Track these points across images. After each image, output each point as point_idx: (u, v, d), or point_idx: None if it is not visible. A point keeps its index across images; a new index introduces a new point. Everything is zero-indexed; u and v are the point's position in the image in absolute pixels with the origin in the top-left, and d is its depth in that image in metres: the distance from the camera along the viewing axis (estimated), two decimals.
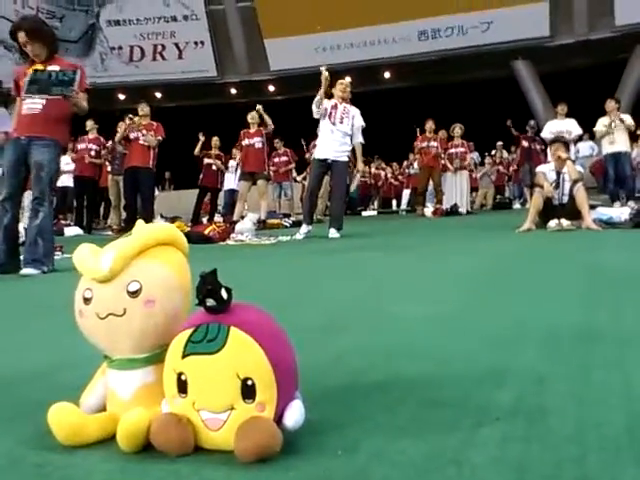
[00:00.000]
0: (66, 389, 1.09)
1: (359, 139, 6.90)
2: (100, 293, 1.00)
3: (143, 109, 8.72)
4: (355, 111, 6.82)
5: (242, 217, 8.29)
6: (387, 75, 20.60)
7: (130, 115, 8.76)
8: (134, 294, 0.99)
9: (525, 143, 12.34)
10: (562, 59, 17.90)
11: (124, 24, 20.22)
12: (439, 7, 18.07)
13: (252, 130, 9.74)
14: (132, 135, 8.55)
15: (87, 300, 1.02)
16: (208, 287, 0.92)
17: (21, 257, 4.19)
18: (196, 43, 20.41)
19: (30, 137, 4.15)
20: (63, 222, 11.03)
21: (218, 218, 10.68)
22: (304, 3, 18.63)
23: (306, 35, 18.91)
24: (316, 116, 6.77)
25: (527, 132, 12.63)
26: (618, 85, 16.73)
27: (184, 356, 0.93)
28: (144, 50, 20.51)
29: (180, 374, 0.94)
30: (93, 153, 10.64)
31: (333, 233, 6.52)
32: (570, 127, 9.52)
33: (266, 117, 9.61)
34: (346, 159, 6.77)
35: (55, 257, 4.69)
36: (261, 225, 8.59)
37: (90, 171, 10.63)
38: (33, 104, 4.19)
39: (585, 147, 12.71)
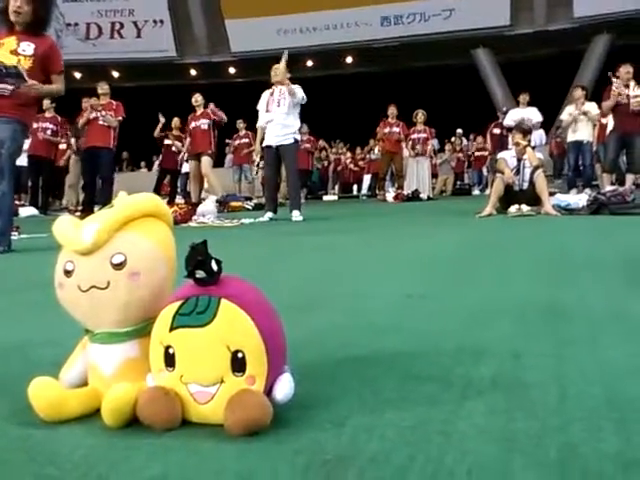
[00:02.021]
0: (43, 365, 1.06)
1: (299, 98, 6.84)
2: (82, 265, 0.98)
3: (102, 87, 8.53)
4: (292, 88, 6.76)
5: (202, 199, 8.21)
6: (349, 60, 20.64)
7: (88, 99, 8.56)
8: (118, 266, 0.97)
9: (496, 130, 12.37)
10: (522, 48, 18.19)
11: (80, 1, 19.73)
12: None
13: (198, 112, 9.73)
14: (91, 115, 8.35)
15: (68, 272, 0.99)
16: (198, 258, 0.91)
17: None
18: (155, 22, 20.07)
19: None
20: (17, 202, 10.76)
21: (179, 200, 10.56)
22: None
23: (268, 17, 18.77)
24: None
25: (499, 119, 12.64)
26: (575, 75, 17.06)
27: (172, 329, 0.92)
28: (101, 28, 20.10)
29: (168, 347, 0.92)
30: (49, 132, 10.38)
31: (296, 215, 6.53)
32: (531, 115, 9.67)
33: (218, 112, 9.62)
34: (292, 140, 6.73)
35: (12, 237, 4.59)
36: (222, 205, 8.53)
37: (46, 150, 10.37)
38: (2, 88, 4.06)
39: (535, 135, 12.90)
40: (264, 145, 6.90)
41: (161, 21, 19.93)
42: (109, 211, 1.01)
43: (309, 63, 19.82)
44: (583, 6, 16.87)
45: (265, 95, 6.94)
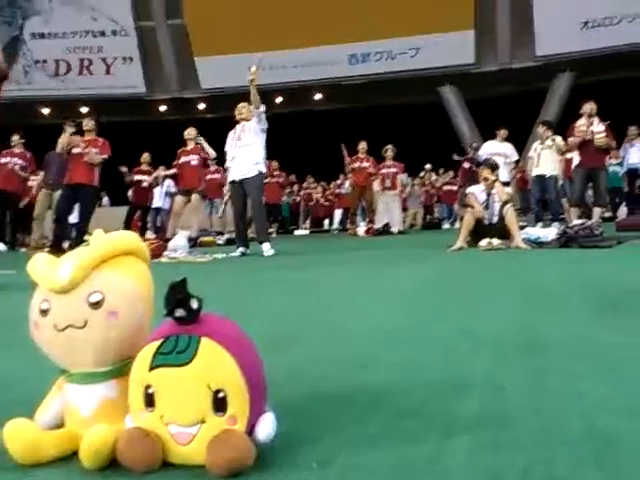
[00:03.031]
0: (19, 403, 1.03)
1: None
2: (58, 304, 0.96)
3: (87, 124, 8.37)
4: (248, 125, 6.86)
5: (173, 235, 8.15)
6: (318, 97, 20.87)
7: (68, 126, 8.37)
8: (96, 305, 0.95)
9: (466, 165, 12.59)
10: (487, 86, 18.61)
11: (49, 37, 19.73)
12: (369, 32, 18.46)
13: (189, 147, 9.60)
14: (75, 150, 8.16)
15: (44, 312, 0.97)
16: (178, 297, 0.89)
17: None
18: (125, 59, 20.12)
19: None
20: None
21: (150, 235, 10.48)
22: (236, 23, 18.66)
23: (237, 54, 18.90)
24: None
25: (468, 153, 12.87)
26: (539, 112, 17.47)
27: (152, 368, 0.90)
28: (70, 64, 20.07)
29: (147, 387, 0.90)
30: (18, 167, 10.25)
31: (267, 249, 6.51)
32: (507, 151, 9.87)
33: (206, 146, 9.55)
34: (256, 173, 6.75)
35: None
36: (193, 243, 8.47)
37: (14, 185, 10.22)
38: None
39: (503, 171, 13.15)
40: (229, 180, 6.94)
41: (130, 58, 19.98)
42: (86, 249, 1.00)
43: (278, 100, 20.00)
44: (545, 45, 17.39)
45: (230, 136, 7.03)
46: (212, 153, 9.58)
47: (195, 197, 9.37)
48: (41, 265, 0.99)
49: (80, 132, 8.34)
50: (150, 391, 0.90)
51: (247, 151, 6.72)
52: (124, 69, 20.00)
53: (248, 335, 0.99)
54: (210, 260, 6.21)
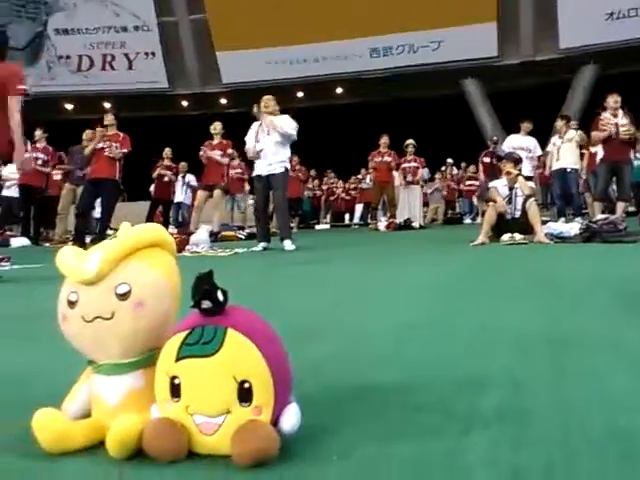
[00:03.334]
0: (47, 396, 1.05)
1: (289, 134, 6.84)
2: (86, 296, 0.97)
3: (107, 118, 8.47)
4: (282, 118, 6.83)
5: (196, 229, 8.20)
6: (339, 91, 20.82)
7: (93, 131, 8.51)
8: (123, 297, 0.96)
9: (487, 159, 12.49)
10: (509, 79, 18.43)
11: (73, 33, 19.89)
12: (391, 25, 18.34)
13: (215, 142, 9.65)
14: (99, 145, 8.27)
15: (72, 303, 0.98)
16: (204, 288, 0.90)
17: None
18: (147, 54, 20.22)
19: None
20: (9, 233, 10.72)
21: (172, 229, 10.56)
22: (257, 17, 18.66)
23: (259, 49, 18.95)
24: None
25: (489, 147, 12.76)
26: (562, 105, 17.29)
27: (178, 359, 0.91)
28: (93, 60, 20.23)
29: (173, 377, 0.92)
30: (40, 162, 10.37)
31: (288, 245, 6.53)
32: (530, 144, 9.77)
33: (229, 150, 9.66)
34: (282, 169, 6.76)
35: (3, 268, 4.57)
36: (214, 237, 8.52)
37: (37, 180, 10.35)
38: None
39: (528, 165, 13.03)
40: (254, 175, 6.91)
41: (152, 53, 20.09)
42: (113, 241, 1.01)
43: (299, 94, 20.02)
44: (569, 37, 17.17)
45: (254, 126, 6.97)
46: (232, 155, 9.79)
47: (217, 192, 9.43)
48: (69, 257, 1.00)
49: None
50: (176, 381, 0.91)
51: (275, 147, 6.72)
52: (146, 64, 20.12)
53: (273, 327, 1.00)
54: (231, 254, 6.24)
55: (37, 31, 19.26)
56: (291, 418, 0.93)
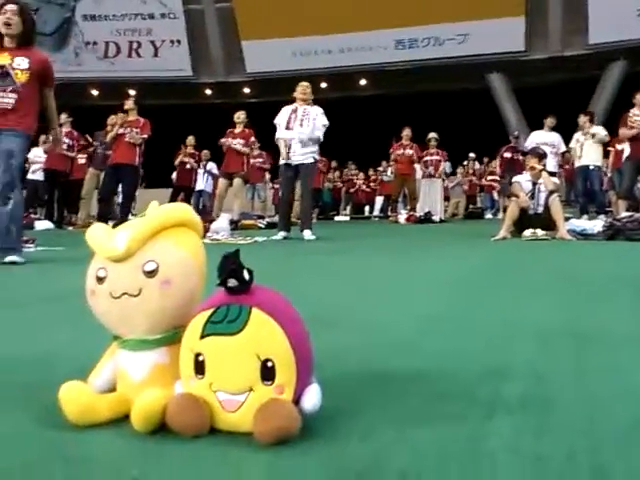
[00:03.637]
0: (72, 372, 1.07)
1: (317, 136, 6.85)
2: (115, 272, 0.99)
3: (127, 103, 8.58)
4: (317, 111, 6.82)
5: (217, 216, 8.25)
6: (363, 82, 20.74)
7: (115, 116, 8.62)
8: (150, 274, 0.98)
9: (507, 154, 12.43)
10: (536, 74, 18.23)
11: (100, 19, 20.01)
12: (417, 17, 18.21)
13: (237, 130, 9.69)
14: (120, 130, 8.38)
15: (100, 279, 1.00)
16: (230, 267, 0.92)
17: None
18: (172, 42, 20.28)
19: (2, 129, 4.10)
20: (34, 216, 10.85)
21: None
22: (283, 6, 18.62)
23: (284, 39, 18.92)
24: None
25: (510, 142, 12.73)
26: (589, 101, 17.08)
27: (203, 336, 0.92)
28: (120, 46, 20.33)
29: (198, 355, 0.93)
30: (65, 147, 10.46)
31: (308, 235, 6.54)
32: (554, 140, 9.67)
33: (252, 138, 9.73)
34: (312, 160, 6.76)
35: (29, 249, 4.63)
36: (234, 225, 8.57)
37: (62, 164, 10.46)
38: (5, 99, 4.12)
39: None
40: (282, 163, 6.87)
41: (178, 41, 20.15)
42: (141, 220, 1.03)
43: (323, 85, 19.95)
44: (598, 33, 16.93)
45: (287, 110, 6.89)
46: (254, 143, 9.84)
47: (237, 181, 9.48)
48: (99, 234, 1.02)
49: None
50: (200, 359, 0.93)
51: (307, 137, 6.70)
52: (172, 52, 20.18)
53: (295, 307, 1.01)
54: (251, 242, 6.27)
55: (65, 17, 19.39)
56: (312, 398, 0.94)
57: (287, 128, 6.78)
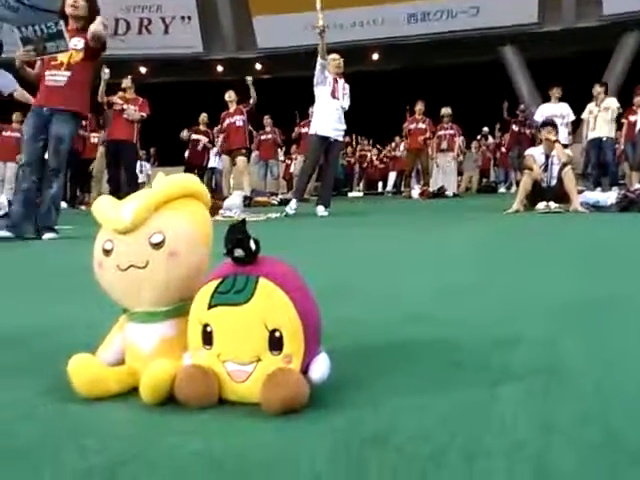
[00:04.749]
0: (77, 346, 1.07)
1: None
2: (121, 244, 0.99)
3: (125, 82, 8.64)
4: (348, 88, 6.79)
5: (229, 194, 8.26)
6: (375, 57, 20.54)
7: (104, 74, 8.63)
8: (157, 246, 0.97)
9: (515, 127, 12.38)
10: (549, 46, 17.98)
11: None
12: None
13: (232, 109, 9.84)
14: (117, 107, 8.43)
15: (107, 252, 1.00)
16: (237, 237, 0.91)
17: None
18: (182, 18, 20.15)
19: (52, 109, 4.29)
20: None
21: None
22: None
23: (295, 13, 18.72)
24: (317, 82, 6.66)
25: (517, 116, 12.68)
26: (604, 74, 16.82)
27: (210, 307, 0.92)
28: (130, 23, 20.22)
29: (206, 325, 0.93)
30: (80, 126, 10.47)
31: (322, 211, 6.52)
32: (563, 111, 9.53)
33: (252, 90, 9.71)
34: (341, 139, 6.75)
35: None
36: (248, 200, 8.59)
37: (74, 144, 10.46)
38: (58, 76, 4.31)
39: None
40: (318, 134, 6.66)
41: (189, 17, 20.01)
42: (148, 191, 1.02)
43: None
44: (612, 4, 16.63)
45: (326, 76, 6.71)
46: (254, 96, 9.89)
47: (240, 159, 9.57)
48: (105, 206, 1.02)
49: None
50: (208, 329, 0.93)
51: (343, 112, 6.67)
52: (182, 28, 20.06)
53: (304, 278, 1.00)
54: (264, 219, 6.27)
55: None
56: (321, 367, 0.94)
57: (333, 96, 6.65)
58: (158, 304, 1.01)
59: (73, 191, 10.78)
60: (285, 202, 8.78)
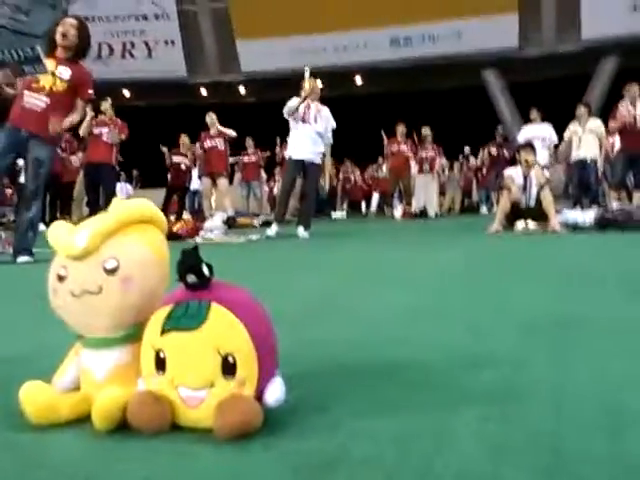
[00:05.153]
0: (38, 372, 1.06)
1: (330, 140, 6.91)
2: (75, 271, 0.98)
3: (104, 105, 8.62)
4: (327, 111, 6.83)
5: (211, 215, 8.25)
6: (358, 80, 20.69)
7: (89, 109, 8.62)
8: (111, 272, 0.97)
9: (493, 149, 12.52)
10: (530, 70, 18.21)
11: (93, 20, 19.90)
12: (411, 15, 18.18)
13: (213, 132, 9.84)
14: (96, 130, 8.41)
15: (61, 278, 0.99)
16: (189, 263, 0.91)
17: None
18: (166, 42, 20.21)
19: (31, 133, 4.24)
20: None
21: (187, 216, 10.61)
22: (277, 5, 18.58)
23: (278, 37, 18.88)
24: (287, 115, 6.75)
25: (495, 138, 12.83)
26: (583, 96, 17.06)
27: (163, 333, 0.92)
28: (113, 47, 20.25)
29: (159, 351, 0.92)
30: (57, 149, 10.42)
31: (302, 232, 6.52)
32: (545, 133, 9.62)
33: (226, 131, 9.82)
34: (319, 161, 6.76)
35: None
36: (231, 221, 8.59)
37: (54, 167, 10.40)
38: (37, 100, 4.26)
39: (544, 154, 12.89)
40: (292, 157, 6.79)
41: (172, 41, 20.10)
42: (103, 216, 1.02)
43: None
44: (591, 28, 16.91)
45: (297, 100, 6.77)
46: (232, 133, 9.90)
47: (221, 182, 9.61)
48: (59, 232, 1.01)
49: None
50: (161, 355, 0.92)
51: (316, 136, 6.69)
52: (166, 52, 20.12)
53: (260, 302, 1.00)
54: (244, 241, 6.26)
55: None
56: (276, 392, 0.93)
57: (303, 120, 6.71)
58: (113, 330, 1.00)
59: (53, 214, 10.69)
60: (267, 223, 8.79)
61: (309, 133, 6.62)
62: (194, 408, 0.91)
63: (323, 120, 6.68)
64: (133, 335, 1.00)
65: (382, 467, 0.79)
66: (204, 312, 0.90)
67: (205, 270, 0.92)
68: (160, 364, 0.92)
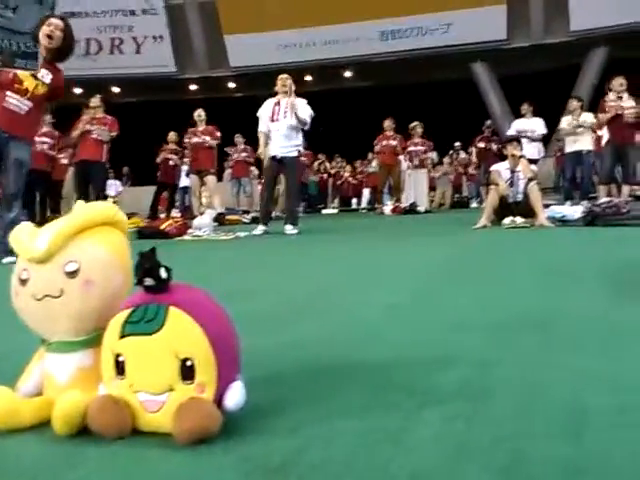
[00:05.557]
0: (2, 377, 1.05)
1: (305, 118, 6.79)
2: (36, 274, 0.98)
3: (93, 101, 8.56)
4: (301, 102, 6.79)
5: (200, 213, 8.22)
6: (348, 74, 20.68)
7: (86, 110, 8.58)
8: (72, 274, 0.97)
9: (481, 144, 12.53)
10: (519, 62, 18.22)
11: (81, 16, 19.78)
12: (400, 8, 18.17)
13: (200, 128, 9.79)
14: (86, 127, 8.35)
15: (23, 281, 0.99)
16: (146, 266, 0.90)
17: None
18: (155, 38, 20.12)
19: (11, 135, 4.22)
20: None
21: (176, 213, 10.58)
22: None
23: (267, 32, 18.83)
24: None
25: (483, 132, 12.83)
26: (573, 88, 17.09)
27: (122, 337, 0.91)
28: (101, 43, 20.15)
29: (118, 355, 0.92)
30: (46, 147, 10.37)
31: (289, 229, 6.51)
32: (535, 126, 9.64)
33: (216, 134, 9.87)
34: (295, 154, 6.73)
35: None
36: (221, 217, 8.58)
37: (43, 165, 10.35)
38: (20, 103, 4.24)
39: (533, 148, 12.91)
40: (268, 155, 6.81)
41: (160, 37, 20.00)
42: (64, 219, 1.01)
43: (308, 78, 19.86)
44: (580, 19, 16.93)
45: (270, 103, 6.85)
46: (215, 140, 9.90)
47: (209, 179, 9.57)
48: (22, 235, 1.01)
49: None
50: (120, 359, 0.92)
51: (291, 129, 6.67)
52: (154, 48, 20.03)
53: (220, 304, 1.00)
54: (232, 238, 6.25)
55: (44, 14, 19.19)
56: (235, 395, 0.93)
57: (272, 120, 6.73)
58: (75, 334, 1.00)
59: (43, 213, 10.63)
60: (257, 220, 8.77)
61: (281, 129, 6.64)
62: (154, 412, 0.91)
63: (299, 111, 6.64)
64: (96, 339, 0.99)
65: (329, 472, 0.79)
66: (162, 316, 0.90)
67: (163, 273, 0.91)
68: (120, 368, 0.92)
